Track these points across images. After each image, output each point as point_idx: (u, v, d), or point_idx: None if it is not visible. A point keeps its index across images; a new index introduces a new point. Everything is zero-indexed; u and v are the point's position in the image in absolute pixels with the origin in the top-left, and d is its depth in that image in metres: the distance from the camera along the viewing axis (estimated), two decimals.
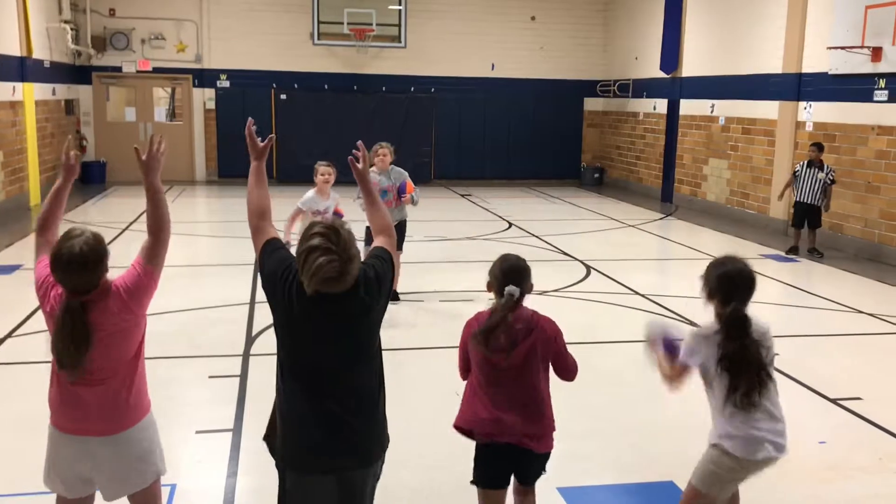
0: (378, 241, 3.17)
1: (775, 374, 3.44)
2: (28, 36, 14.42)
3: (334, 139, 18.56)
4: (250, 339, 7.00)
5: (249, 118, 3.48)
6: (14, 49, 13.97)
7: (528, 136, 20.13)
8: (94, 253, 2.93)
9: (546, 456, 3.58)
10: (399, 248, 7.85)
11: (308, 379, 2.89)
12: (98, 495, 3.20)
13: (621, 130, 19.82)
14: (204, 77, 18.83)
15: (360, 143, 3.36)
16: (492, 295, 3.54)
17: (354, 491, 2.96)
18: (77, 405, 3.02)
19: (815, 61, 12.69)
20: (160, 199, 3.16)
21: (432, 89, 19.63)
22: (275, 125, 18.68)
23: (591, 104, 20.73)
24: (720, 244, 12.06)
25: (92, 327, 2.91)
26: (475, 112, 19.91)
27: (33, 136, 14.79)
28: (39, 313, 3.36)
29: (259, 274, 3.02)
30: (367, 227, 6.62)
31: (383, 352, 3.07)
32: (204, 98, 18.94)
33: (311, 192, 7.82)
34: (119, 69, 18.54)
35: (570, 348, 3.60)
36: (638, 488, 4.55)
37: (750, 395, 3.28)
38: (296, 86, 18.98)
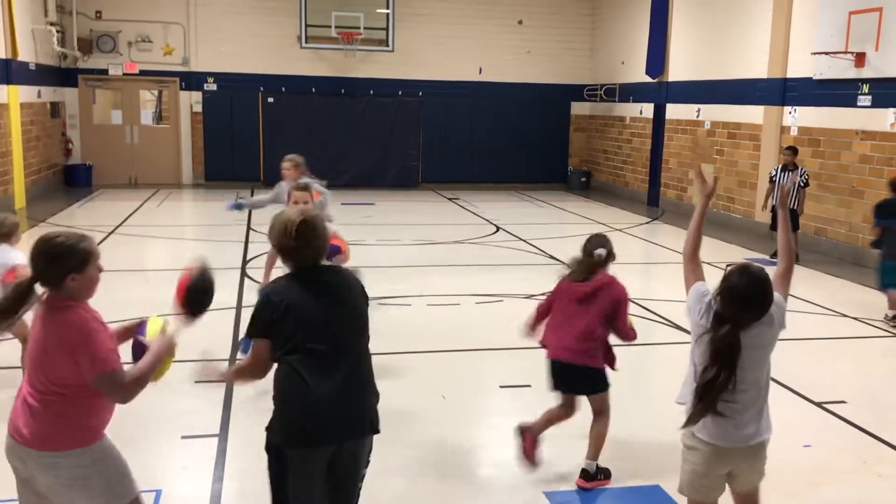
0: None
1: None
2: (13, 38, 14.33)
3: (322, 143, 18.54)
4: (236, 344, 6.98)
5: None
6: None
7: (516, 140, 20.15)
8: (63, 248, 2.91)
9: (589, 370, 4.37)
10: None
11: (318, 355, 3.08)
12: None
13: (608, 135, 19.89)
14: (191, 80, 18.76)
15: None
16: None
17: (360, 461, 3.22)
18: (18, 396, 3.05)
19: (800, 66, 12.79)
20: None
21: (420, 93, 19.64)
22: (262, 129, 18.65)
23: (578, 108, 20.79)
24: (706, 248, 12.02)
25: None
26: (463, 116, 19.92)
27: (18, 139, 14.69)
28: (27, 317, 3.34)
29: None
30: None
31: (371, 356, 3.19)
32: (191, 101, 18.87)
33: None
34: (105, 72, 18.45)
35: None
36: (624, 492, 4.57)
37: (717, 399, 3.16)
38: (283, 89, 18.94)
